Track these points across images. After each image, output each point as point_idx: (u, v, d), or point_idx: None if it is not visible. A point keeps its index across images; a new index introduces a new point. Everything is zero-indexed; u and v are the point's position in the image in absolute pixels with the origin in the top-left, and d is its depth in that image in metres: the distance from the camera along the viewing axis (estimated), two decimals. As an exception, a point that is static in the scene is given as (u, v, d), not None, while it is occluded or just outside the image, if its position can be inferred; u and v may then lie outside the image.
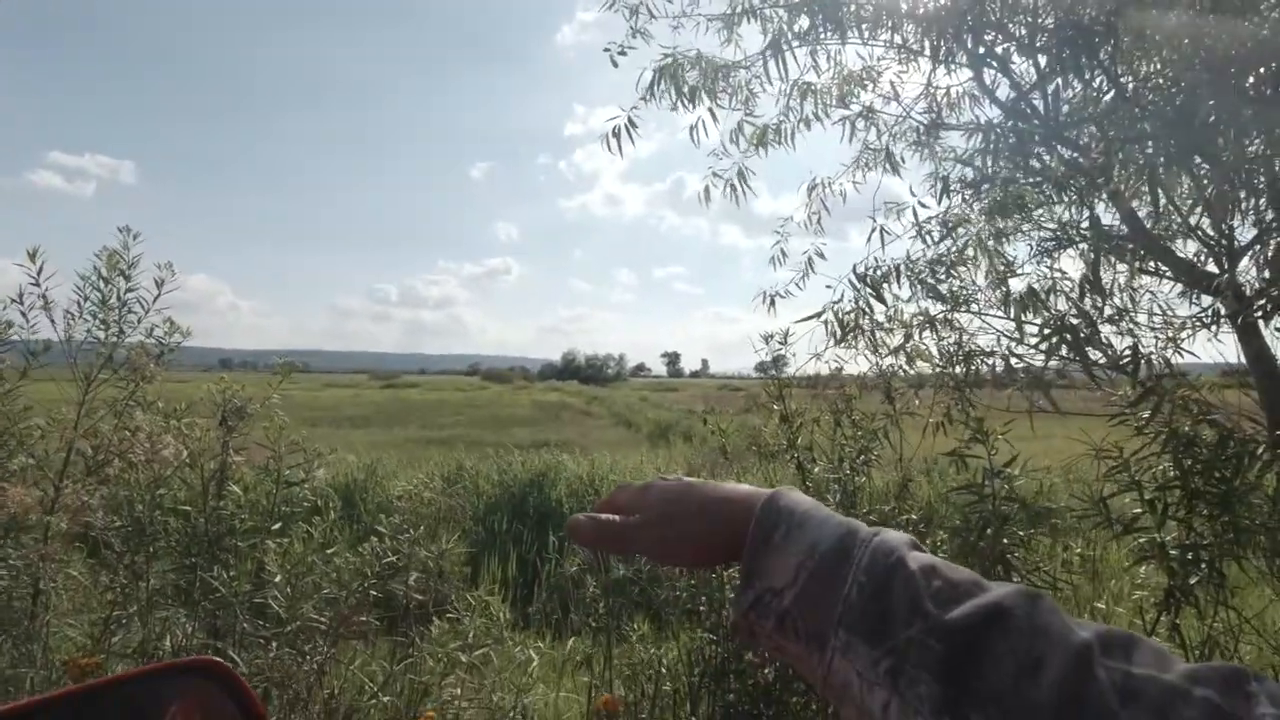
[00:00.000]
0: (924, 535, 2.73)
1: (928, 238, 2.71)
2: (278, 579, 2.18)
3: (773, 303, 3.29)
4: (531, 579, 7.81)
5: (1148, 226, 2.56)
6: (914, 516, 2.89)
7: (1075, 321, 1.60)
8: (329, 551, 2.22)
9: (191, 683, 0.59)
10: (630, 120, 2.93)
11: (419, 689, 2.17)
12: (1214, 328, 2.02)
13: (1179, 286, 2.61)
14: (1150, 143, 1.94)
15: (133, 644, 2.24)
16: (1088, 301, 1.72)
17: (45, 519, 2.47)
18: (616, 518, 0.59)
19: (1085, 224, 2.33)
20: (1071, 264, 2.49)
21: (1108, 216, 2.53)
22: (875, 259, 2.63)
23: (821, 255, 3.84)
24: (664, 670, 2.60)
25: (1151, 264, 2.56)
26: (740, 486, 0.57)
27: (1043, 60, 2.68)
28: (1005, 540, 2.01)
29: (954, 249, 2.54)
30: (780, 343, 2.77)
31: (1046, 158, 2.37)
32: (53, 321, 2.72)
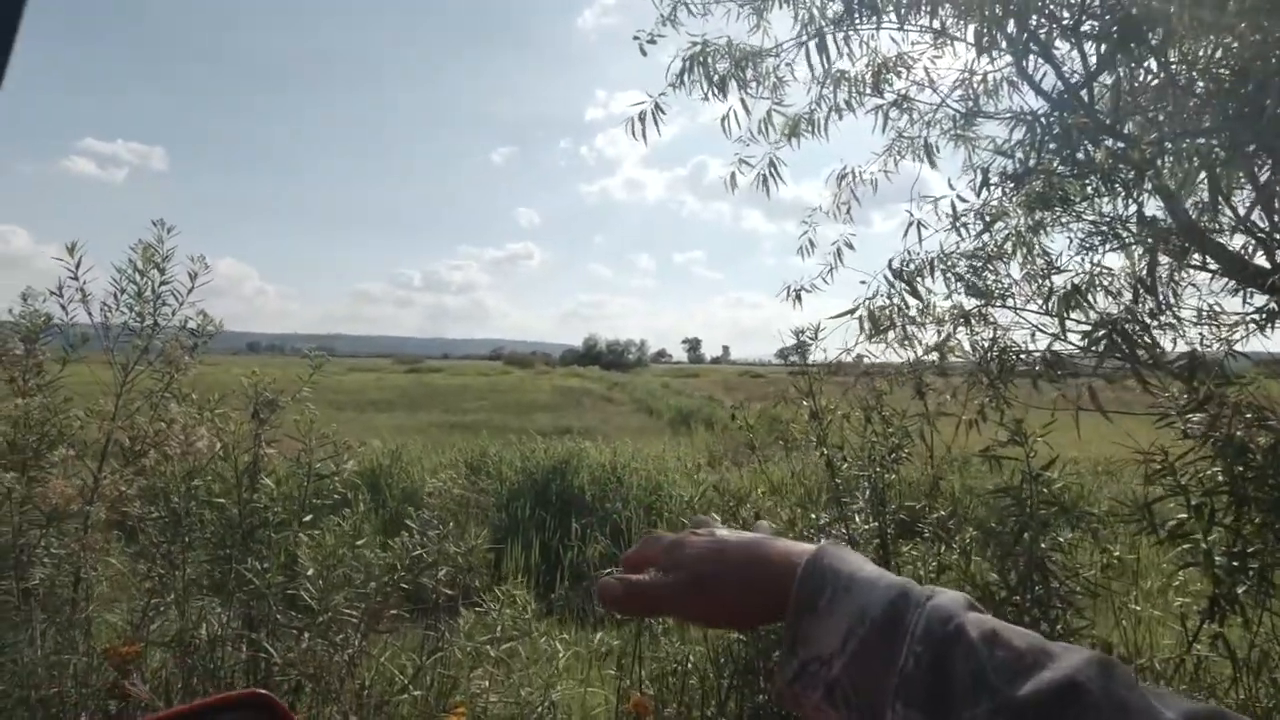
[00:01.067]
0: (952, 532, 2.68)
1: (963, 230, 2.64)
2: (310, 571, 2.21)
3: (798, 297, 3.24)
4: (554, 565, 7.89)
5: (1194, 218, 2.46)
6: (944, 513, 2.84)
7: (1126, 324, 1.54)
8: (358, 544, 2.24)
9: (244, 716, 0.59)
10: (657, 105, 2.88)
11: (448, 682, 2.19)
12: (1269, 328, 1.93)
13: (1226, 281, 2.51)
14: (1204, 137, 1.85)
15: (170, 632, 2.29)
16: (1141, 303, 1.65)
17: (85, 508, 2.52)
18: (646, 577, 0.56)
19: (1132, 219, 2.24)
20: (1116, 259, 2.41)
21: (1152, 207, 2.44)
22: (909, 252, 2.57)
23: (850, 245, 3.77)
24: (691, 666, 2.59)
25: (1197, 257, 2.46)
26: (778, 543, 0.54)
27: (1089, 48, 2.59)
28: (1044, 545, 1.96)
29: (992, 243, 2.47)
30: (811, 338, 2.72)
31: (1091, 149, 2.28)
32: (90, 314, 2.77)
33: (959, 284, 2.73)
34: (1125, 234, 2.31)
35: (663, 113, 2.93)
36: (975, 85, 3.33)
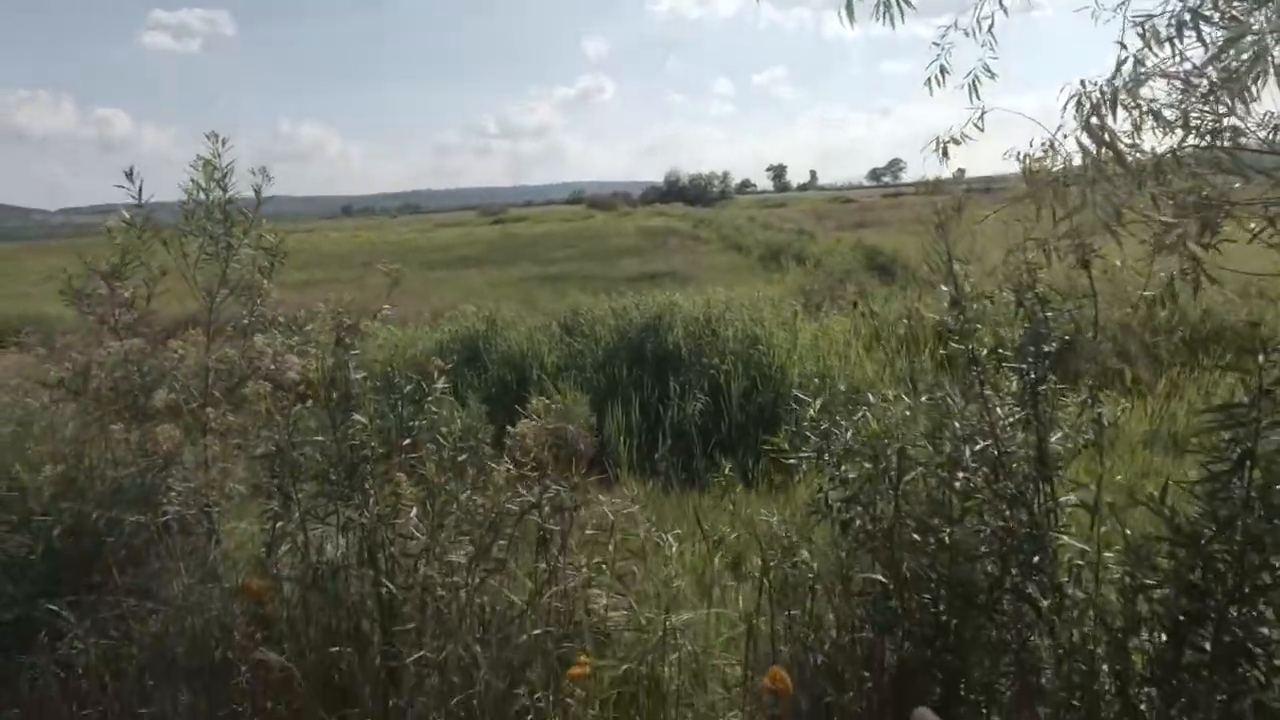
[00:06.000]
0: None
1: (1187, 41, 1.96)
2: (414, 512, 2.17)
3: (945, 151, 2.67)
4: (655, 423, 8.00)
5: None
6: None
7: None
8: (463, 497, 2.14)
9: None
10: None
11: (564, 614, 2.17)
12: None
13: None
14: None
15: (294, 561, 2.36)
16: None
17: (202, 443, 2.57)
18: None
19: None
20: None
21: None
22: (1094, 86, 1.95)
23: (989, 72, 3.06)
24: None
25: None
26: None
27: None
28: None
29: (1232, 64, 1.80)
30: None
31: None
32: (165, 245, 2.66)
33: (1155, 122, 2.10)
34: None
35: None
36: None
